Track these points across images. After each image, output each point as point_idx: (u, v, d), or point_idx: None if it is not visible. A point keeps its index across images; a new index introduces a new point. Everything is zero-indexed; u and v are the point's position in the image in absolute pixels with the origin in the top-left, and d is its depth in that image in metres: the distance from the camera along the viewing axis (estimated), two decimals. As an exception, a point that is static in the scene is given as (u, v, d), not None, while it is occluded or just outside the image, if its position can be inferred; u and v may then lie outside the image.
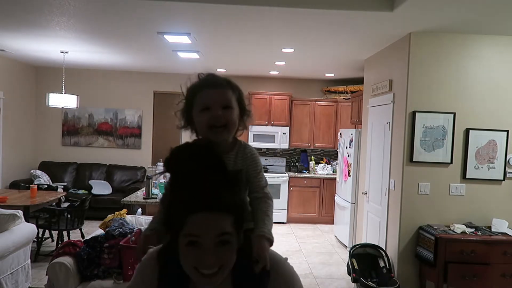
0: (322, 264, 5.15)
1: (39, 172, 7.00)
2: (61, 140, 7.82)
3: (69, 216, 4.92)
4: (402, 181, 4.00)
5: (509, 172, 4.01)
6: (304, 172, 7.48)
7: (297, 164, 7.73)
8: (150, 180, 4.76)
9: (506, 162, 3.99)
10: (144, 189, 5.02)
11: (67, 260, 3.07)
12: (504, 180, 4.00)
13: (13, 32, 4.81)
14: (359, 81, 6.57)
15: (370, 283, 3.81)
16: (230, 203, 0.92)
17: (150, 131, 7.90)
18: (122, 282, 3.09)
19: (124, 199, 4.74)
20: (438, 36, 3.94)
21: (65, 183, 7.13)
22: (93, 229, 4.96)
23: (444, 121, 3.95)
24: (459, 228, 3.71)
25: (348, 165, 5.94)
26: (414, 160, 3.96)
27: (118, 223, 3.48)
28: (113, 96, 7.84)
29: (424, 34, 3.94)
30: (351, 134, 5.84)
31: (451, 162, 3.97)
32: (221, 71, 7.04)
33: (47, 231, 5.21)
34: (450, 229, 3.76)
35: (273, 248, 1.16)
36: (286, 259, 1.10)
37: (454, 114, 3.95)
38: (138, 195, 4.92)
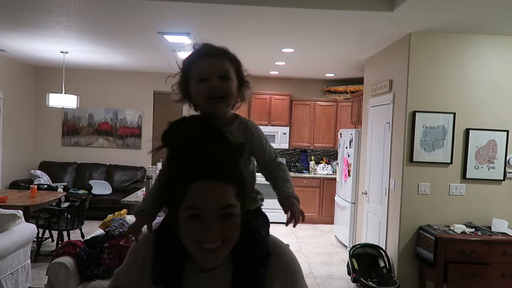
0: (322, 264, 5.15)
1: (39, 172, 7.00)
2: (61, 140, 7.82)
3: (69, 216, 4.92)
4: (402, 181, 4.00)
5: (509, 172, 4.01)
6: (304, 172, 7.48)
7: (297, 164, 7.73)
8: (150, 180, 4.76)
9: (506, 162, 3.99)
10: (144, 189, 5.02)
11: (67, 260, 3.07)
12: (504, 180, 4.00)
13: (13, 32, 4.81)
14: (359, 81, 6.57)
15: (370, 283, 3.81)
16: (232, 173, 0.87)
17: (150, 131, 7.90)
18: (122, 282, 3.09)
19: (124, 199, 4.74)
20: (438, 36, 3.94)
21: (65, 183, 7.13)
22: (93, 229, 4.96)
23: (444, 121, 3.95)
24: (459, 228, 3.71)
25: (348, 165, 5.94)
26: (414, 160, 3.96)
27: (118, 223, 3.48)
28: (113, 96, 7.84)
29: (424, 34, 3.94)
30: (351, 134, 5.84)
31: (451, 162, 3.97)
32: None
33: (47, 231, 5.21)
34: (450, 229, 3.76)
35: None
36: (288, 245, 1.07)
37: (454, 114, 3.95)
38: (138, 195, 4.92)
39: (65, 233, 5.20)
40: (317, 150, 7.99)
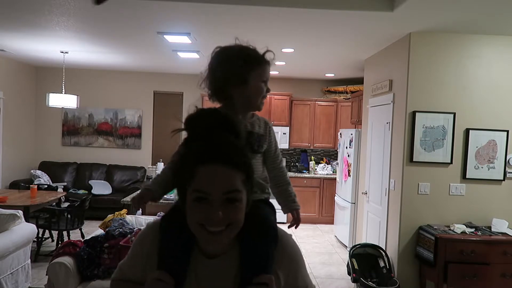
0: (322, 264, 5.15)
1: (39, 172, 7.00)
2: (61, 140, 7.82)
3: (69, 216, 4.92)
4: (402, 181, 4.00)
5: (509, 172, 4.01)
6: (304, 172, 7.48)
7: (297, 164, 7.73)
8: (151, 180, 4.75)
9: (506, 162, 3.99)
10: (144, 189, 5.01)
11: (67, 260, 3.07)
12: (504, 180, 4.00)
13: (13, 32, 4.81)
14: (359, 81, 6.57)
15: (370, 283, 3.81)
16: (239, 160, 0.91)
17: (150, 131, 7.90)
18: (122, 282, 3.08)
19: (124, 199, 4.74)
20: (438, 36, 3.94)
21: (65, 183, 7.13)
22: (93, 229, 4.96)
23: (444, 121, 3.95)
24: (459, 228, 3.71)
25: (348, 165, 5.94)
26: (414, 160, 3.96)
27: (118, 223, 3.48)
28: (113, 96, 7.84)
29: (424, 34, 3.94)
30: (351, 134, 5.84)
31: (451, 162, 3.97)
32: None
33: (47, 231, 5.22)
34: (450, 229, 3.76)
35: None
36: (291, 235, 1.12)
37: (454, 114, 3.95)
38: (138, 195, 4.91)
39: (65, 233, 5.20)
40: (317, 150, 7.99)
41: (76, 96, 6.09)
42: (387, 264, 4.02)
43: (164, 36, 4.59)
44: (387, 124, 4.47)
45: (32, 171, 7.05)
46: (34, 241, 4.42)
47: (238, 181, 0.90)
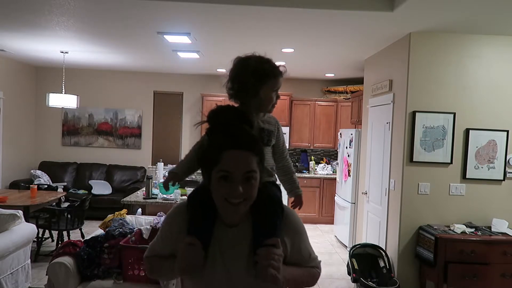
0: (322, 264, 5.12)
1: (39, 172, 7.00)
2: (61, 140, 7.82)
3: (69, 216, 4.92)
4: (402, 181, 4.00)
5: (509, 172, 4.01)
6: (304, 172, 7.48)
7: (297, 164, 7.73)
8: (150, 180, 4.76)
9: (506, 162, 3.99)
10: (144, 189, 5.02)
11: (67, 260, 3.07)
12: (504, 180, 4.00)
13: (13, 32, 4.81)
14: (359, 81, 6.57)
15: (370, 283, 3.81)
16: (255, 147, 1.13)
17: (150, 131, 7.90)
18: (122, 282, 3.09)
19: (124, 199, 4.74)
20: (438, 36, 3.94)
21: (65, 183, 7.13)
22: (93, 229, 4.96)
23: (444, 121, 3.95)
24: (459, 228, 3.71)
25: (348, 165, 5.94)
26: (414, 160, 3.96)
27: (118, 223, 3.48)
28: (113, 96, 7.84)
29: (424, 34, 3.94)
30: (351, 134, 5.84)
31: (451, 162, 3.97)
32: (221, 71, 7.05)
33: (47, 231, 5.22)
34: (450, 229, 3.76)
35: None
36: (295, 212, 1.33)
37: (454, 114, 3.95)
38: (138, 195, 4.92)
39: (65, 233, 5.20)
40: (317, 150, 7.99)
41: (76, 96, 6.09)
42: (387, 264, 4.02)
43: (164, 36, 4.59)
44: (387, 124, 4.47)
45: (32, 171, 7.05)
46: (34, 241, 4.42)
47: (254, 163, 1.11)
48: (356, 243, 4.83)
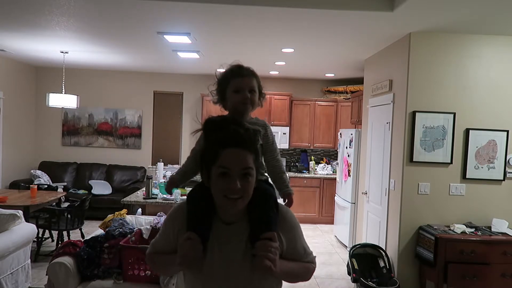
0: (322, 264, 5.14)
1: (39, 172, 7.00)
2: (61, 140, 7.82)
3: (69, 216, 4.92)
4: (402, 181, 4.00)
5: (509, 172, 4.01)
6: (304, 172, 7.48)
7: (297, 164, 7.73)
8: (150, 180, 4.76)
9: (506, 162, 3.99)
10: (144, 189, 5.02)
11: (67, 260, 3.07)
12: (504, 180, 4.00)
13: (13, 32, 4.81)
14: (359, 81, 6.57)
15: (370, 283, 3.81)
16: (252, 145, 1.20)
17: (150, 131, 7.90)
18: (122, 282, 3.09)
19: (124, 199, 4.74)
20: (438, 36, 3.94)
21: (65, 183, 7.13)
22: (93, 229, 4.96)
23: (444, 121, 3.95)
24: (459, 228, 3.71)
25: (348, 165, 5.94)
26: (414, 160, 3.96)
27: (118, 223, 3.48)
28: (113, 96, 7.84)
29: (424, 34, 3.94)
30: (351, 134, 5.84)
31: (451, 162, 3.97)
32: (221, 71, 7.03)
33: (47, 231, 5.22)
34: (450, 229, 3.76)
35: None
36: (289, 209, 1.41)
37: (454, 114, 3.95)
38: (138, 195, 4.92)
39: (65, 233, 5.20)
40: (317, 150, 7.99)
41: (76, 96, 6.09)
42: (387, 264, 4.02)
43: (164, 36, 4.59)
44: (387, 124, 4.47)
45: (32, 171, 7.05)
46: (34, 241, 4.42)
47: (251, 161, 1.18)
48: (356, 243, 4.83)
